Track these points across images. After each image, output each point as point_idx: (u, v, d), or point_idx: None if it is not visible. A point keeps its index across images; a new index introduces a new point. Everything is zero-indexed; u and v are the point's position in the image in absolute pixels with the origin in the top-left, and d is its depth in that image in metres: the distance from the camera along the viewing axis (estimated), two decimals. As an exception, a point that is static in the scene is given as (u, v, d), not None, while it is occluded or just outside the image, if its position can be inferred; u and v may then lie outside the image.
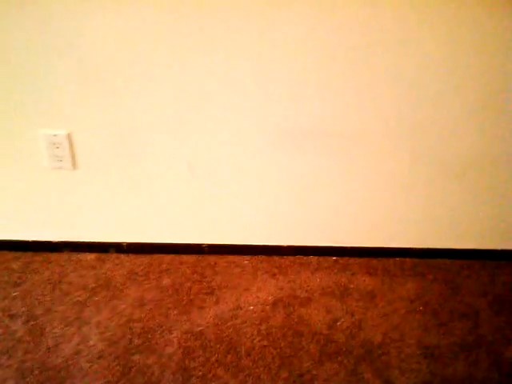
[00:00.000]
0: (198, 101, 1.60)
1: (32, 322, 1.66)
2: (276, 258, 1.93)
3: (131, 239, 1.91)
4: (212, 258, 1.92)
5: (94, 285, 1.80)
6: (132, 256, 1.93)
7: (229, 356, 1.56)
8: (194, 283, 1.82)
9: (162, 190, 1.79)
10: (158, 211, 1.84)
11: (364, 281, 1.84)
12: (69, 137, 1.66)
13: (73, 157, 1.70)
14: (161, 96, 1.58)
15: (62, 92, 1.58)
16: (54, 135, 1.64)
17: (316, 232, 1.89)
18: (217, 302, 1.74)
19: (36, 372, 1.49)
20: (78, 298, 1.75)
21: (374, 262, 1.93)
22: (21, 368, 1.50)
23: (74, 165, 1.71)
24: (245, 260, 1.92)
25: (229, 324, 1.67)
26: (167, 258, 1.93)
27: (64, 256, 1.92)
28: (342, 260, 1.93)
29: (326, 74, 1.55)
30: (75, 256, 1.93)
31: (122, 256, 1.93)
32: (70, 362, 1.53)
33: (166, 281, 1.83)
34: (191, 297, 1.76)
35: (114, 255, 1.92)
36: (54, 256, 1.93)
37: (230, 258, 1.92)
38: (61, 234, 1.90)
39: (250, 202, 1.82)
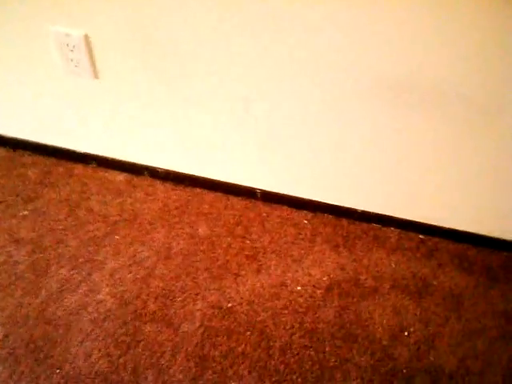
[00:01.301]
0: (270, 19, 1.13)
1: (38, 255, 1.44)
2: (345, 222, 1.55)
3: (170, 166, 1.58)
4: (264, 208, 1.57)
5: (117, 217, 1.53)
6: (168, 186, 1.61)
7: (258, 351, 1.28)
8: (235, 239, 1.50)
9: (208, 117, 1.40)
10: (203, 140, 1.47)
11: (452, 277, 1.45)
12: (86, 39, 1.27)
13: (92, 64, 1.32)
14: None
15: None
16: (67, 34, 1.25)
17: (402, 201, 1.47)
18: (258, 271, 1.43)
19: (30, 322, 1.30)
20: (96, 233, 1.50)
21: (473, 252, 1.51)
22: (15, 314, 1.31)
23: (95, 73, 1.34)
24: (304, 218, 1.55)
25: (267, 305, 1.37)
26: (210, 196, 1.60)
27: (89, 171, 1.64)
28: (431, 242, 1.52)
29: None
30: (102, 173, 1.64)
31: (158, 184, 1.62)
32: (71, 318, 1.32)
33: (202, 228, 1.52)
34: (228, 257, 1.46)
35: (147, 181, 1.62)
36: (77, 168, 1.65)
37: (287, 211, 1.56)
38: (87, 144, 1.60)
39: (321, 154, 1.40)
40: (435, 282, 1.43)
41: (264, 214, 1.55)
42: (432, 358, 1.30)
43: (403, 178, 1.40)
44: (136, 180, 1.61)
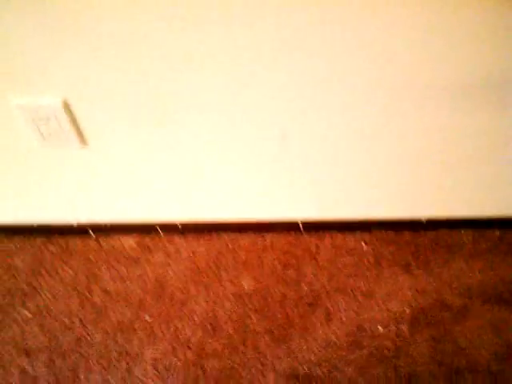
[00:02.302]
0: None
1: (58, 363, 1.18)
2: (408, 236, 1.35)
3: (187, 216, 1.35)
4: (311, 241, 1.35)
5: (140, 293, 1.28)
6: (191, 239, 1.37)
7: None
8: (288, 286, 1.28)
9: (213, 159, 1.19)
10: (221, 179, 1.25)
11: (549, 274, 1.28)
12: (66, 106, 1.02)
13: (78, 131, 1.08)
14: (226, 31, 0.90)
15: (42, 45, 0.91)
16: (38, 106, 1.00)
17: (470, 197, 1.28)
18: (327, 320, 1.22)
19: None
20: (121, 318, 1.25)
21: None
22: None
23: (83, 140, 1.10)
24: (361, 241, 1.35)
25: (350, 358, 1.16)
26: (244, 240, 1.36)
27: (90, 243, 1.39)
28: (509, 235, 1.34)
29: None
30: (106, 243, 1.38)
31: (177, 240, 1.37)
32: None
33: (246, 282, 1.29)
34: (287, 311, 1.24)
35: (163, 239, 1.37)
36: (74, 244, 1.39)
37: (338, 238, 1.35)
38: (82, 214, 1.35)
39: (369, 164, 1.20)
40: (531, 283, 1.25)
41: (313, 248, 1.33)
42: (553, 375, 1.13)
43: (468, 171, 1.21)
44: (149, 241, 1.37)
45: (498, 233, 1.33)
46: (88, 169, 1.21)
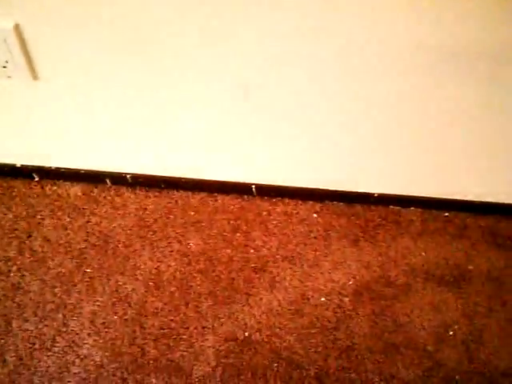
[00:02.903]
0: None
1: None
2: (360, 209, 1.36)
3: (139, 169, 1.31)
4: (263, 206, 1.34)
5: (82, 244, 1.25)
6: (140, 193, 1.34)
7: (291, 385, 1.12)
8: (236, 249, 1.28)
9: (186, 110, 1.15)
10: (177, 133, 1.22)
11: (488, 258, 1.31)
12: (17, 29, 0.95)
13: (28, 61, 1.02)
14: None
15: None
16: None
17: (422, 177, 1.30)
18: (271, 286, 1.23)
19: (4, 404, 1.06)
20: (61, 269, 1.22)
21: (505, 225, 1.38)
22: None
23: (33, 73, 1.04)
24: (312, 211, 1.35)
25: (290, 326, 1.18)
26: (195, 199, 1.35)
27: (33, 187, 1.33)
28: (458, 218, 1.37)
29: None
30: (50, 188, 1.33)
31: (126, 192, 1.34)
32: (54, 388, 1.08)
33: (194, 242, 1.28)
34: (232, 274, 1.24)
35: (111, 191, 1.34)
36: (16, 187, 1.33)
37: (291, 206, 1.35)
38: (27, 155, 1.29)
39: (323, 134, 1.19)
40: (471, 267, 1.29)
41: (264, 213, 1.33)
42: (483, 357, 1.18)
43: (421, 149, 1.23)
44: (97, 191, 1.33)
45: (446, 214, 1.36)
46: (37, 106, 1.15)
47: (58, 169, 1.31)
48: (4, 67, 1.02)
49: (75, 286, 1.21)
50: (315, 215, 1.34)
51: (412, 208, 1.36)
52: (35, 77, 1.06)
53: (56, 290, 1.20)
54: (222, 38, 0.98)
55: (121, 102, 1.16)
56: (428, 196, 1.34)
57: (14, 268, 1.22)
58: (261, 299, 1.21)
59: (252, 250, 1.28)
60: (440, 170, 1.28)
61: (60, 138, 1.25)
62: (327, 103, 1.13)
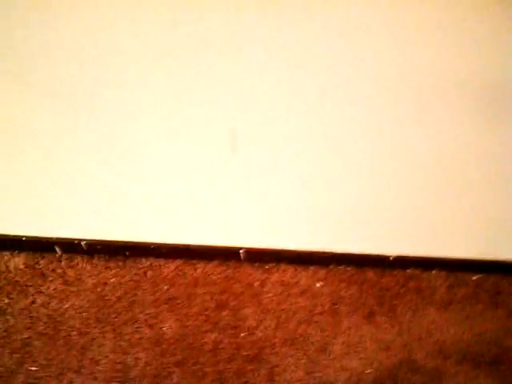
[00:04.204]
0: None
1: None
2: (372, 274, 1.13)
3: (96, 235, 1.07)
4: (255, 274, 1.11)
5: (26, 333, 0.99)
6: (99, 263, 1.09)
7: None
8: (223, 332, 1.03)
9: (156, 157, 0.93)
10: (148, 193, 0.99)
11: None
12: None
13: None
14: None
15: None
16: None
17: (446, 236, 1.10)
18: (270, 379, 0.99)
19: None
20: (-5, 368, 0.97)
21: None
22: None
23: None
24: (315, 279, 1.12)
25: None
26: (169, 268, 1.10)
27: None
28: (489, 282, 1.15)
29: None
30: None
31: (81, 263, 1.08)
32: None
33: (169, 324, 1.03)
34: (220, 366, 0.99)
35: (62, 262, 1.08)
36: None
37: (288, 273, 1.11)
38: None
39: (330, 187, 0.99)
40: (510, 342, 1.08)
41: (256, 284, 1.09)
42: None
43: (444, 204, 1.03)
44: (44, 263, 1.07)
45: (475, 277, 1.15)
46: None
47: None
48: None
49: (13, 390, 0.94)
50: (319, 284, 1.10)
51: (435, 271, 1.14)
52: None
53: (-11, 398, 0.93)
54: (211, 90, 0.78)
55: (69, 143, 0.93)
56: (453, 257, 1.12)
57: None
58: (257, 399, 0.97)
59: (243, 333, 1.03)
60: (466, 227, 1.08)
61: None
62: (330, 151, 0.92)
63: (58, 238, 1.06)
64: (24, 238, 1.06)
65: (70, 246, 1.08)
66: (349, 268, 1.13)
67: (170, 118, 0.89)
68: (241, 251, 1.09)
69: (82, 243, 1.07)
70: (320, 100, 0.86)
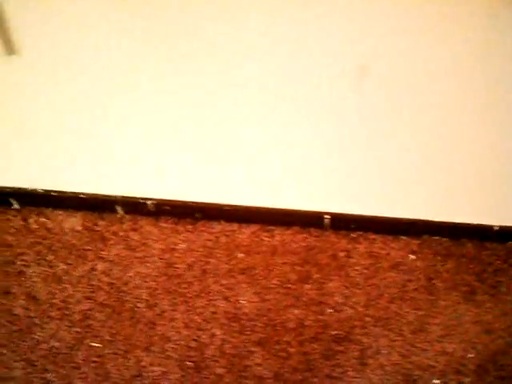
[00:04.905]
0: None
1: None
2: (471, 247, 1.00)
3: (164, 194, 0.95)
4: (340, 243, 0.98)
5: (84, 305, 0.89)
6: (166, 227, 0.97)
7: None
8: (307, 308, 0.92)
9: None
10: (224, 148, 0.87)
11: None
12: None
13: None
14: None
15: None
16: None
17: None
18: (362, 364, 0.88)
19: None
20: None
21: None
22: None
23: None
24: (408, 251, 0.99)
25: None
26: (245, 234, 0.98)
27: (14, 220, 0.95)
28: None
29: None
30: (39, 220, 0.96)
31: (145, 227, 0.97)
32: None
33: (245, 299, 0.91)
34: (306, 347, 0.89)
35: (124, 224, 0.97)
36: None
37: (378, 242, 0.98)
38: (6, 176, 0.92)
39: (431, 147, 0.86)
40: None
41: (342, 254, 0.97)
42: None
43: None
44: (104, 225, 0.95)
45: None
46: (14, 86, 0.79)
47: (46, 192, 0.93)
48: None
49: (77, 368, 0.84)
50: (412, 256, 0.98)
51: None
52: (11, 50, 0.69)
53: (47, 374, 0.83)
54: None
55: (136, 97, 0.80)
56: None
57: (22, 346, 0.84)
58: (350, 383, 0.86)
59: (330, 310, 0.92)
60: None
61: (49, 149, 0.88)
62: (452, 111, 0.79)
63: (119, 197, 0.94)
64: (82, 196, 0.94)
65: (134, 206, 0.95)
66: (444, 239, 1.01)
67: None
68: (325, 216, 0.97)
69: (148, 203, 0.94)
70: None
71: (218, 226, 0.98)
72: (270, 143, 0.89)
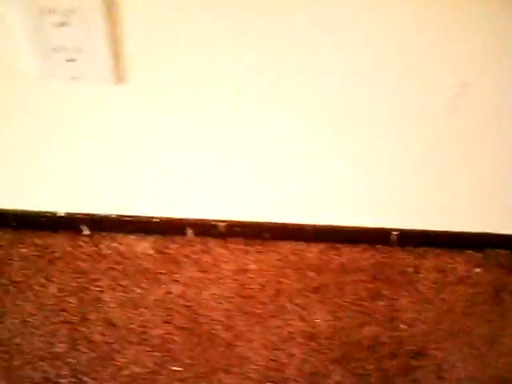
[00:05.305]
0: None
1: None
2: (532, 259, 1.03)
3: (233, 215, 0.96)
4: (406, 258, 1.00)
5: (162, 329, 0.90)
6: (236, 248, 0.98)
7: None
8: (381, 325, 0.93)
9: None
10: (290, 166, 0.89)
11: None
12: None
13: (114, 54, 0.66)
14: None
15: None
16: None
17: None
18: (439, 378, 0.90)
19: None
20: None
21: None
22: None
23: (119, 72, 0.69)
24: (473, 264, 1.01)
25: None
26: (313, 253, 0.98)
27: (85, 247, 0.96)
28: None
29: None
30: (111, 245, 0.97)
31: (216, 249, 0.98)
32: None
33: (320, 317, 0.93)
34: (384, 363, 0.90)
35: (195, 246, 0.98)
36: (62, 243, 0.96)
37: (441, 257, 1.01)
38: (77, 202, 0.93)
39: None
40: None
41: (410, 270, 0.98)
42: None
43: None
44: (175, 248, 0.95)
45: None
46: (117, 114, 0.80)
47: (119, 217, 0.94)
48: (71, 61, 0.64)
49: (161, 393, 0.84)
50: (477, 270, 1.00)
51: None
52: (121, 78, 0.69)
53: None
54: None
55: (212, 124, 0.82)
56: None
57: (65, 370, 0.85)
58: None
59: (403, 326, 0.93)
60: None
61: (122, 174, 0.89)
62: None
63: (191, 219, 0.95)
64: (155, 220, 0.94)
65: (204, 229, 0.96)
66: (506, 251, 1.03)
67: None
68: (393, 233, 0.99)
69: (220, 225, 0.95)
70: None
71: (286, 246, 0.99)
72: (338, 161, 0.91)
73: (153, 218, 0.94)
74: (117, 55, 0.68)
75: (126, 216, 0.94)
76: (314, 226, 0.98)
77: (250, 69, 0.77)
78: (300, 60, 0.76)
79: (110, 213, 0.94)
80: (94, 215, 0.94)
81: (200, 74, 0.76)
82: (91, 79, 0.68)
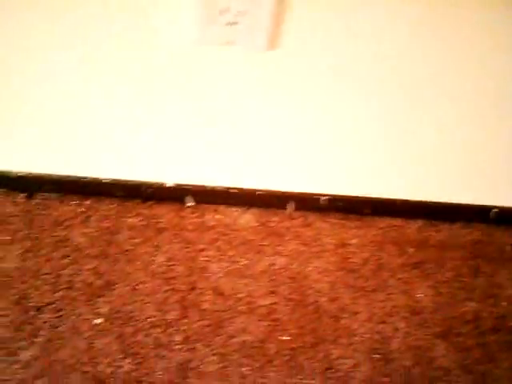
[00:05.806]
0: None
1: None
2: None
3: (335, 189, 0.97)
4: (503, 235, 1.01)
5: (269, 300, 0.92)
6: (336, 222, 1.00)
7: None
8: (482, 301, 0.94)
9: None
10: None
11: None
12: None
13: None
14: None
15: None
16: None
17: None
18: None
19: None
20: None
21: None
22: None
23: (272, 37, 0.69)
24: None
25: None
26: (412, 229, 0.99)
27: (191, 218, 0.97)
28: None
29: None
30: (215, 217, 0.98)
31: (316, 222, 0.99)
32: None
33: (422, 292, 0.94)
34: (486, 337, 0.91)
35: (295, 219, 0.99)
36: (168, 214, 0.98)
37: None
38: (182, 174, 0.94)
39: None
40: None
41: (508, 248, 1.00)
42: None
43: None
44: (277, 220, 0.97)
45: None
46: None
47: (227, 189, 0.95)
48: (233, 24, 0.65)
49: (270, 361, 0.86)
50: None
51: None
52: (272, 43, 0.70)
53: (242, 369, 0.85)
54: None
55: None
56: None
57: (177, 336, 0.87)
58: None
59: (504, 303, 0.95)
60: None
61: (234, 147, 0.90)
62: None
63: (294, 193, 0.96)
64: (258, 192, 0.96)
65: (305, 203, 0.98)
66: None
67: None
68: (493, 210, 0.99)
69: (322, 199, 0.97)
70: None
71: (384, 221, 1.00)
72: (440, 139, 0.91)
73: (256, 190, 0.96)
74: (277, 21, 0.68)
75: (231, 188, 0.96)
76: (414, 201, 0.99)
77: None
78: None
79: (216, 184, 0.95)
80: (200, 187, 0.96)
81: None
82: (247, 43, 0.68)
